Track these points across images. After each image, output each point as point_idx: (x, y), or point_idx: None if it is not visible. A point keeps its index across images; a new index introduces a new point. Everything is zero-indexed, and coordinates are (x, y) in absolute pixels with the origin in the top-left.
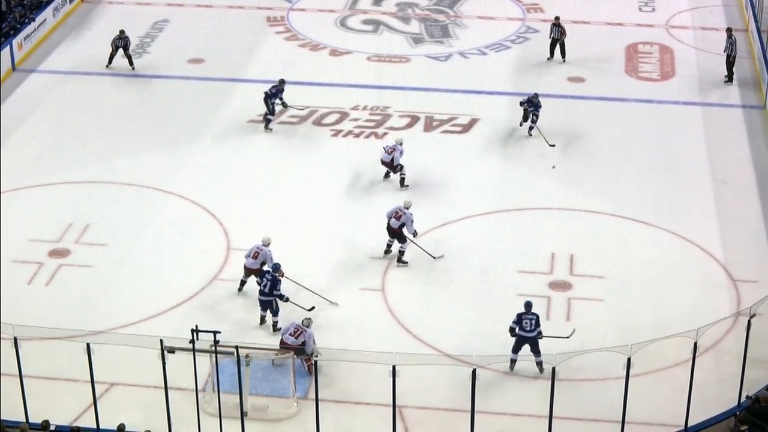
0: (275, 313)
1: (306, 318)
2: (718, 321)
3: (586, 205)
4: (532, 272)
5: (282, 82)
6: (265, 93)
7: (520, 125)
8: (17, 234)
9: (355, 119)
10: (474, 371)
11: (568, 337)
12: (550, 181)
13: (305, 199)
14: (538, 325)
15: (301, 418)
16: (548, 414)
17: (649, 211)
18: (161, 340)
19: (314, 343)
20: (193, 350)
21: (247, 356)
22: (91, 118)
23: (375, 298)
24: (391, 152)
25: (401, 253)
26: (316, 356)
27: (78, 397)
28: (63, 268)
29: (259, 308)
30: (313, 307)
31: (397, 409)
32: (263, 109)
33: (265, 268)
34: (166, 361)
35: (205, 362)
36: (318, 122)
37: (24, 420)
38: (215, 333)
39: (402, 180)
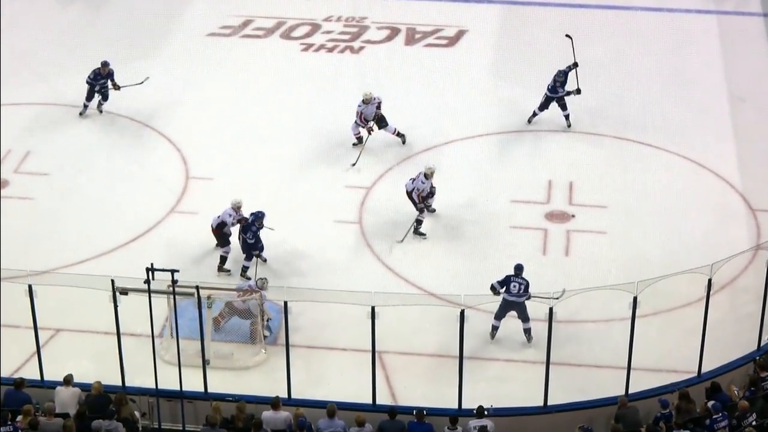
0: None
1: (259, 278)
2: (734, 255)
3: (587, 127)
4: (526, 202)
5: (105, 65)
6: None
7: (533, 116)
8: None
9: (328, 32)
10: (462, 312)
11: (557, 299)
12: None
13: (272, 121)
14: (527, 291)
15: (270, 365)
16: (545, 360)
17: (657, 134)
18: (112, 281)
19: (264, 302)
20: (149, 291)
21: (208, 298)
22: (32, 33)
23: (351, 232)
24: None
25: (418, 222)
26: (268, 319)
27: (20, 345)
28: (1, 201)
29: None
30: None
31: (376, 355)
32: (230, 18)
33: (230, 231)
34: (118, 304)
35: (161, 305)
36: (286, 35)
37: None
38: (173, 272)
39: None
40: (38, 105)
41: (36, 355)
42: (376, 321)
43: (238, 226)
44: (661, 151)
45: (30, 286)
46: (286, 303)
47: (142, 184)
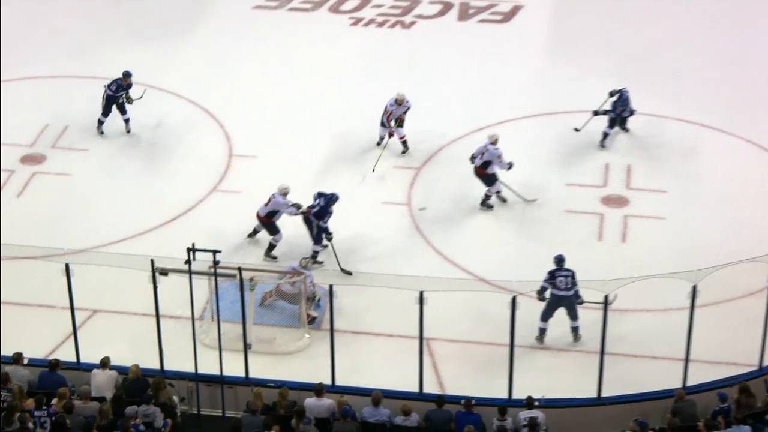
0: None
1: (303, 258)
2: None
3: (647, 107)
4: (582, 185)
5: (127, 75)
6: (108, 92)
7: (604, 139)
8: None
9: (378, 5)
10: (514, 299)
11: (610, 303)
12: (602, 78)
13: (319, 98)
14: (575, 281)
15: (313, 351)
16: (599, 350)
17: (719, 115)
18: (152, 261)
19: (314, 285)
20: (189, 272)
21: (251, 280)
22: (67, 5)
23: (399, 214)
24: (483, 155)
25: (487, 196)
26: (317, 299)
27: (55, 326)
28: (37, 177)
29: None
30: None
31: (424, 341)
32: None
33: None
34: (157, 285)
35: (202, 287)
36: (335, 9)
37: None
38: (215, 252)
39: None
40: (77, 78)
41: (72, 336)
42: (424, 306)
43: (286, 213)
44: (724, 135)
45: (67, 265)
46: (331, 286)
47: (184, 161)
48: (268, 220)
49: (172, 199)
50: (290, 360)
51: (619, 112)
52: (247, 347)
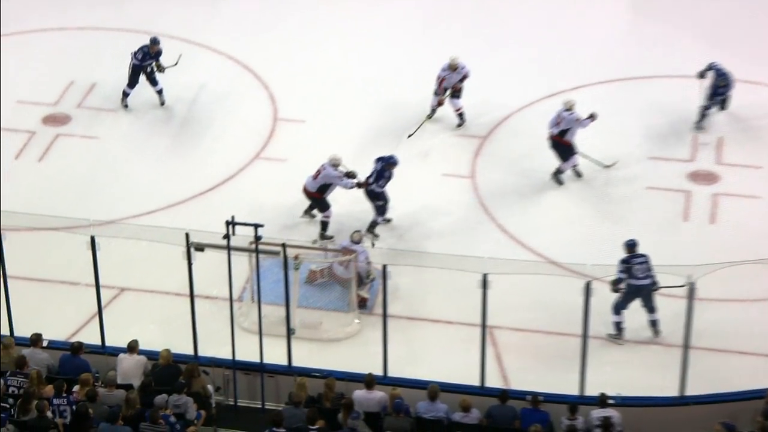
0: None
1: (355, 231)
2: None
3: (742, 72)
4: (667, 159)
5: (155, 42)
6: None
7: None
8: (2, 95)
9: None
10: (588, 284)
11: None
12: (693, 39)
13: (373, 57)
14: (650, 269)
15: (364, 338)
16: (682, 344)
17: None
18: (187, 234)
19: (368, 262)
20: (228, 248)
21: (296, 258)
22: None
23: (461, 188)
24: (559, 124)
25: (560, 170)
26: (371, 279)
27: (78, 306)
28: (61, 140)
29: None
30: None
31: (487, 330)
32: None
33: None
34: (192, 262)
35: (242, 264)
36: None
37: (8, 333)
38: (257, 227)
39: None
40: (108, 30)
41: (97, 316)
42: (488, 291)
43: (341, 186)
44: None
45: (92, 238)
46: (385, 267)
47: (224, 124)
48: (319, 195)
49: (210, 167)
50: (338, 347)
51: (723, 91)
52: (290, 332)
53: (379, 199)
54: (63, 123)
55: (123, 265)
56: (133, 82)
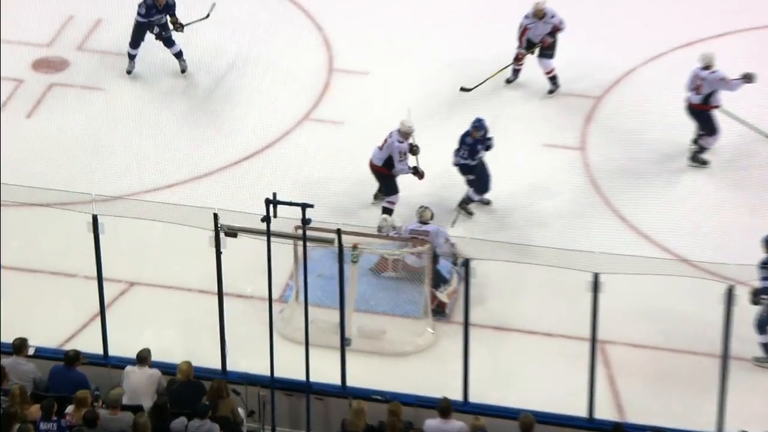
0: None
1: (423, 207)
2: None
3: None
4: None
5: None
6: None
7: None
8: None
9: None
10: (730, 290)
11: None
12: None
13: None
14: None
15: (439, 352)
16: None
17: None
18: (215, 215)
19: (449, 242)
20: (267, 233)
21: (354, 248)
22: None
23: (569, 162)
24: (699, 87)
25: (701, 147)
26: (457, 265)
27: (77, 303)
28: (56, 91)
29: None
30: None
31: (597, 345)
32: None
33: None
34: (221, 251)
35: (285, 255)
36: None
37: None
38: (305, 207)
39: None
40: None
41: (98, 318)
42: (599, 295)
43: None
44: None
45: (94, 218)
46: (467, 262)
47: (263, 77)
48: (386, 171)
49: (246, 130)
50: (405, 364)
51: None
52: (344, 343)
53: (471, 173)
54: (59, 69)
55: (133, 253)
56: (136, 40)
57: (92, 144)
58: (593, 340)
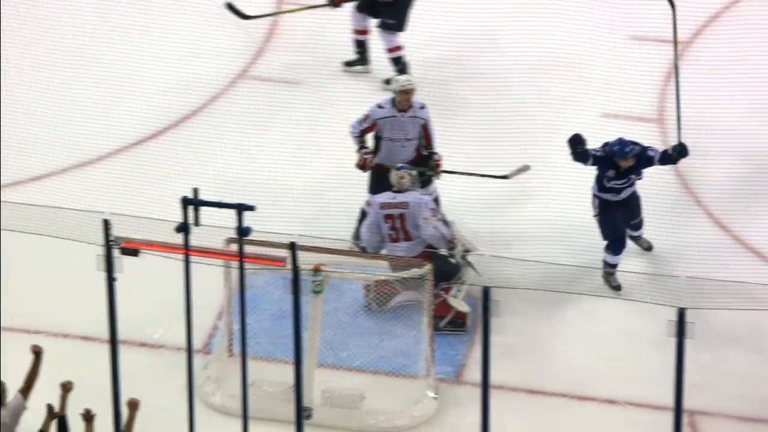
0: None
1: (395, 168)
2: None
3: None
4: None
5: None
6: None
7: None
8: None
9: None
10: None
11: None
12: None
13: None
14: None
15: (443, 425)
16: None
17: None
18: (106, 222)
19: (439, 219)
20: (185, 249)
21: (317, 271)
22: None
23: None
24: None
25: None
26: (455, 256)
27: None
28: None
29: None
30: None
31: (682, 416)
32: None
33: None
34: (114, 276)
35: (212, 280)
36: None
37: None
38: (241, 209)
39: None
40: None
41: None
42: (685, 340)
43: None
44: None
45: None
46: (486, 291)
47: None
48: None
49: (155, 91)
50: None
51: None
52: (303, 415)
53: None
54: None
55: None
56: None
57: None
58: (678, 410)
